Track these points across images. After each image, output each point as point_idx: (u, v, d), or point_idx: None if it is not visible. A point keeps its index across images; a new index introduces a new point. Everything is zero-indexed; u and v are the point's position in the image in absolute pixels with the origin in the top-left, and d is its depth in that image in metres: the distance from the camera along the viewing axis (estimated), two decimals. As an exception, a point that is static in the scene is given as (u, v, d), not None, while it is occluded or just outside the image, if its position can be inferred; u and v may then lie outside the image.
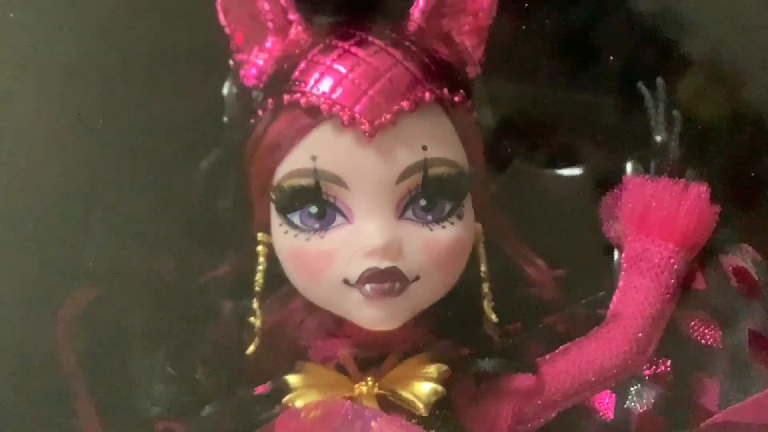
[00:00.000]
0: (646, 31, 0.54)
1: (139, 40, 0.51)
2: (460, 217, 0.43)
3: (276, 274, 0.46)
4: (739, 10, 0.53)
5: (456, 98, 0.44)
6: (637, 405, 0.48)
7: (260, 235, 0.45)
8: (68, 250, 0.50)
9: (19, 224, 0.51)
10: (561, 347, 0.46)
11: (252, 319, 0.45)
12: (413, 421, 0.44)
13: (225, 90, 0.48)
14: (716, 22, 0.53)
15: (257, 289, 0.45)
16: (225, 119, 0.49)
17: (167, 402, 0.47)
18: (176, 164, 0.49)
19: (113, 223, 0.51)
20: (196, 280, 0.48)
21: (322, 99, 0.42)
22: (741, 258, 0.48)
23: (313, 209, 0.42)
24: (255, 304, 0.45)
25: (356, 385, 0.44)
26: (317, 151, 0.42)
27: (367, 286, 0.41)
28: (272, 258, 0.45)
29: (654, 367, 0.47)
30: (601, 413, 0.49)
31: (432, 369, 0.44)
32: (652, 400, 0.47)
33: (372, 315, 0.42)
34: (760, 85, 0.54)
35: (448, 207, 0.43)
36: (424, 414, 0.43)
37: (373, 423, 0.42)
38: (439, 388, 0.43)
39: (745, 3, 0.54)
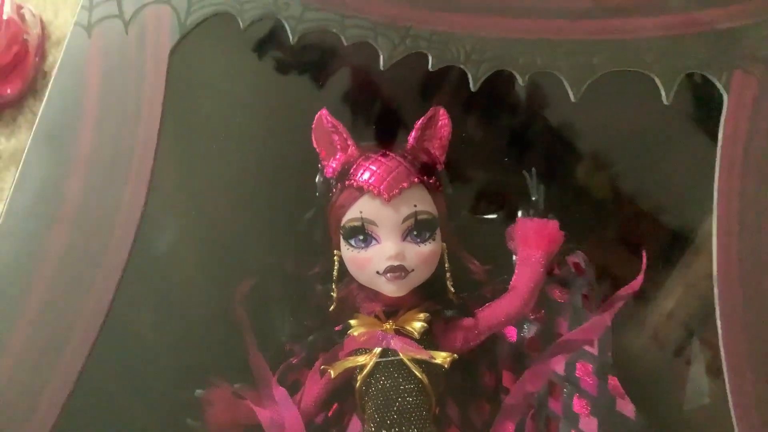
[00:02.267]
0: (556, 137, 0.76)
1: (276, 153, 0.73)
2: (434, 240, 0.66)
3: (344, 271, 0.68)
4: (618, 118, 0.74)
5: (431, 181, 0.67)
6: (527, 333, 0.70)
7: (336, 252, 0.68)
8: (239, 255, 0.72)
9: (212, 232, 0.71)
10: (486, 304, 0.68)
11: (332, 293, 0.68)
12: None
13: (317, 179, 0.70)
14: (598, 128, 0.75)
15: (335, 278, 0.68)
16: (317, 193, 0.69)
17: (291, 334, 0.70)
18: (297, 213, 0.70)
19: (263, 241, 0.72)
20: (304, 273, 0.70)
21: (365, 183, 0.65)
22: (576, 257, 0.71)
23: (361, 237, 0.65)
24: (333, 286, 0.68)
25: (384, 325, 0.66)
26: (362, 209, 0.65)
27: (388, 274, 0.65)
28: (341, 263, 0.68)
29: (535, 314, 0.70)
30: (509, 338, 0.70)
31: (422, 316, 0.66)
32: (534, 331, 0.70)
33: (391, 288, 0.66)
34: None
35: (427, 234, 0.66)
36: (417, 337, 0.65)
37: (392, 340, 0.65)
38: (425, 324, 0.65)
39: (620, 114, 0.73)
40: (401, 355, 0.65)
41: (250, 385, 0.69)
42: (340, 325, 0.69)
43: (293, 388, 0.69)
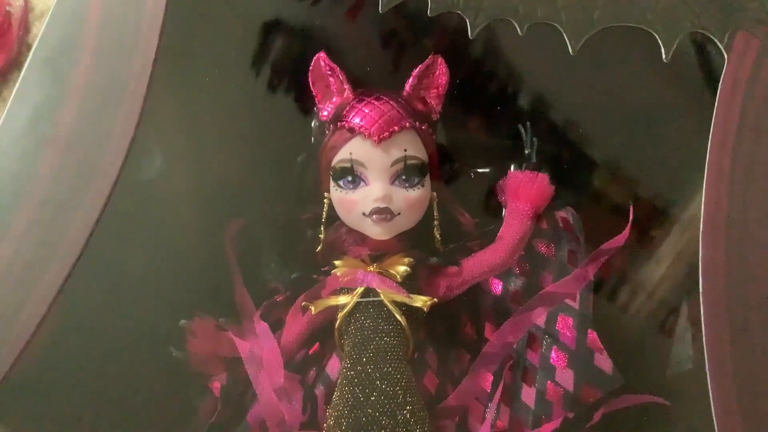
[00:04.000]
0: (552, 91, 0.75)
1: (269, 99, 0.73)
2: (422, 186, 0.66)
3: (333, 215, 0.69)
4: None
5: (422, 127, 0.67)
6: (512, 287, 0.70)
7: (326, 194, 0.68)
8: (231, 193, 0.72)
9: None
10: (472, 254, 0.69)
11: (320, 236, 0.69)
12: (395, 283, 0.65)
13: (312, 123, 0.70)
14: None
15: (323, 221, 0.69)
16: (312, 137, 0.70)
17: (276, 274, 0.71)
18: (289, 157, 0.71)
19: (255, 182, 0.73)
20: (295, 217, 0.71)
21: (356, 124, 0.66)
22: (565, 212, 0.70)
23: (350, 178, 0.66)
24: (322, 228, 0.69)
25: (368, 267, 0.67)
26: (352, 150, 0.66)
27: (374, 216, 0.65)
28: (331, 206, 0.68)
29: (520, 267, 0.70)
30: (493, 290, 0.70)
31: (406, 260, 0.67)
32: (519, 285, 0.70)
33: (376, 230, 0.66)
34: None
35: (416, 180, 0.66)
36: (399, 280, 0.66)
37: (372, 279, 0.66)
38: (408, 269, 0.66)
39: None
40: (382, 296, 0.66)
41: (234, 319, 0.71)
42: (327, 266, 0.70)
43: (276, 327, 0.70)
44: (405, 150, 0.66)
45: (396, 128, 0.66)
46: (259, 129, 0.75)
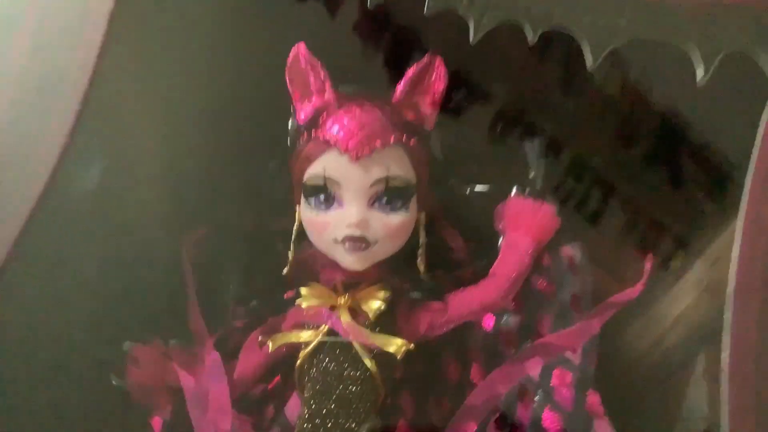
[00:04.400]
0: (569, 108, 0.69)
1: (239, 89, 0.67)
2: (406, 210, 0.59)
3: (304, 231, 0.61)
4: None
5: (411, 142, 0.59)
6: (505, 325, 0.64)
7: (297, 208, 0.61)
8: (190, 205, 0.67)
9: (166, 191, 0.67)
10: (460, 289, 0.62)
11: (289, 253, 0.62)
12: (367, 322, 0.59)
13: (289, 124, 0.62)
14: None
15: (293, 237, 0.61)
16: (289, 142, 0.62)
17: (238, 296, 0.64)
18: (261, 159, 0.65)
19: (216, 193, 0.67)
20: (264, 229, 0.65)
21: (331, 136, 0.58)
22: (572, 249, 0.64)
23: (322, 197, 0.59)
24: (291, 247, 0.62)
25: (338, 299, 0.60)
26: (327, 165, 0.58)
27: (347, 244, 0.58)
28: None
29: (516, 302, 0.63)
30: (484, 326, 0.64)
31: (381, 294, 0.60)
32: (513, 324, 0.63)
33: (349, 260, 0.59)
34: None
35: (399, 203, 0.59)
36: (372, 319, 0.59)
37: (338, 321, 0.58)
38: (383, 305, 0.59)
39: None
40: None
41: (188, 342, 0.64)
42: (292, 291, 0.63)
43: (234, 354, 0.63)
44: (388, 169, 0.59)
45: (378, 144, 0.58)
46: (225, 125, 0.68)
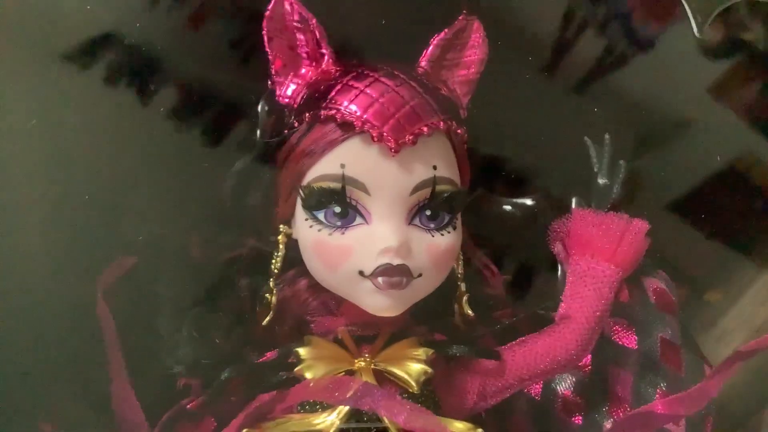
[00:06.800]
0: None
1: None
2: (454, 228, 0.46)
3: (289, 259, 0.48)
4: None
5: (459, 131, 0.47)
6: (562, 387, 0.52)
7: (282, 227, 0.47)
8: (110, 226, 0.51)
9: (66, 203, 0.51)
10: (518, 339, 0.49)
11: (268, 295, 0.48)
12: (404, 395, 0.45)
13: (259, 107, 0.50)
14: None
15: (275, 271, 0.47)
16: (258, 131, 0.50)
17: (190, 362, 0.49)
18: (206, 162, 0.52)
19: (150, 206, 0.52)
20: (220, 259, 0.51)
21: (355, 117, 0.44)
22: (659, 280, 0.52)
23: (337, 209, 0.45)
24: (272, 284, 0.48)
25: (356, 360, 0.46)
26: (346, 160, 0.44)
27: (380, 279, 0.44)
28: (288, 246, 0.48)
29: None
30: (531, 391, 0.52)
31: (421, 352, 0.46)
32: (575, 385, 0.51)
33: (381, 302, 0.45)
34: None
35: (446, 218, 0.46)
36: (416, 392, 0.45)
37: (378, 397, 0.42)
38: (429, 369, 0.45)
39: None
40: (387, 422, 0.43)
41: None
42: (275, 351, 0.48)
43: None
44: (435, 167, 0.45)
45: (425, 128, 0.44)
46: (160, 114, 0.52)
